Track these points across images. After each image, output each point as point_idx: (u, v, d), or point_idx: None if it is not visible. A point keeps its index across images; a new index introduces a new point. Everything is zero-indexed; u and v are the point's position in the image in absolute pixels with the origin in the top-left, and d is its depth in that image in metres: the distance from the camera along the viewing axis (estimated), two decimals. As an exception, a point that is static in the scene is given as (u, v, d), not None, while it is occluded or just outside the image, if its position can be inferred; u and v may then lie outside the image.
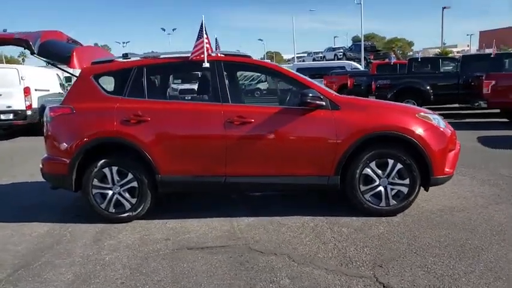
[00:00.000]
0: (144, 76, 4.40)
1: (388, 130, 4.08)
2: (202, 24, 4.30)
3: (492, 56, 12.16)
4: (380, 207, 4.20)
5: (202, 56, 4.30)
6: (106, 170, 4.31)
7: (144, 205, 4.34)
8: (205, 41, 4.28)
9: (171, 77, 4.64)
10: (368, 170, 4.16)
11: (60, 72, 17.34)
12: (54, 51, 4.63)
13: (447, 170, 4.20)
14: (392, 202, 4.19)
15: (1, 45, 4.75)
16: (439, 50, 46.38)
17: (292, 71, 4.44)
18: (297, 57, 45.56)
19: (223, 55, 4.48)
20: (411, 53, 57.72)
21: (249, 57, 4.51)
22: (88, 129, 4.29)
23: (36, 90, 12.09)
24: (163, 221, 4.37)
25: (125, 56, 4.62)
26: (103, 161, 4.29)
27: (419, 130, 4.08)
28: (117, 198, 4.34)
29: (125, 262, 3.45)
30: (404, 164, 4.11)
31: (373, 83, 13.05)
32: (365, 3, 34.20)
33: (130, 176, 4.29)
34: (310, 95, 4.02)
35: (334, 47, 39.41)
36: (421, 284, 2.89)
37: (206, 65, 4.31)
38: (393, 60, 18.58)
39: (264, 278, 3.08)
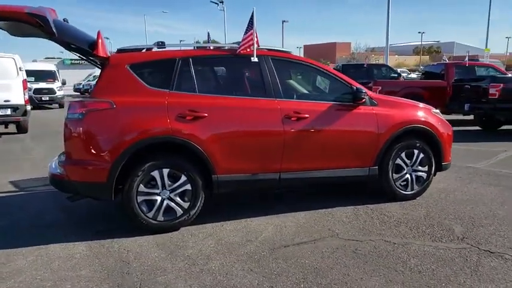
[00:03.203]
0: (192, 68, 4.02)
1: (418, 124, 4.66)
2: (252, 16, 4.17)
3: (365, 66, 14.32)
4: (407, 193, 4.76)
5: (249, 49, 4.19)
6: (155, 173, 3.80)
7: (197, 209, 3.98)
8: (255, 34, 4.17)
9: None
10: (399, 160, 4.67)
11: None
12: (76, 34, 3.82)
13: (450, 158, 5.02)
14: (415, 187, 4.80)
15: (5, 20, 3.65)
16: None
17: (333, 70, 4.66)
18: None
19: (266, 49, 4.41)
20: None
21: (290, 53, 4.56)
22: (137, 127, 3.72)
23: None
24: (216, 224, 4.09)
25: (161, 44, 4.12)
26: (151, 163, 3.78)
27: (436, 124, 4.79)
28: (167, 204, 3.86)
29: (241, 267, 3.18)
30: (425, 153, 4.76)
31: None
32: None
33: (183, 178, 3.87)
34: (364, 91, 4.34)
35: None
36: (513, 246, 3.51)
37: (255, 59, 4.20)
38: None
39: (392, 260, 3.27)
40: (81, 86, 34.65)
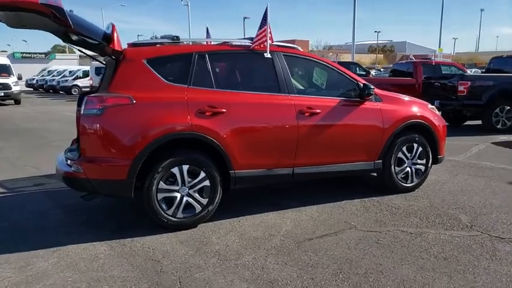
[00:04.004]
0: (208, 63, 3.99)
1: (417, 119, 4.86)
2: (266, 12, 4.19)
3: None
4: (407, 185, 4.97)
5: (262, 45, 4.22)
6: (175, 170, 3.75)
7: (215, 205, 3.96)
8: (268, 30, 4.20)
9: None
10: (401, 154, 4.86)
11: None
12: (90, 26, 3.67)
13: (444, 151, 5.29)
14: (415, 180, 5.01)
15: (15, 10, 3.41)
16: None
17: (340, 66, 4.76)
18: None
19: (276, 45, 4.43)
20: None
21: (297, 49, 4.61)
22: (158, 123, 3.65)
23: None
24: (233, 220, 4.10)
25: (176, 39, 4.05)
26: (171, 159, 3.72)
27: (433, 119, 5.03)
28: (186, 200, 3.82)
29: (274, 261, 3.22)
30: (423, 147, 4.98)
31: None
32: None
33: (202, 174, 3.84)
34: (372, 87, 4.48)
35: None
36: (518, 232, 3.78)
37: (268, 55, 4.23)
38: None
39: (415, 249, 3.42)
40: (34, 81, 32.95)
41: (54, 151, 7.83)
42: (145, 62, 3.78)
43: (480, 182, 5.45)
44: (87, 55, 4.79)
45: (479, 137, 9.32)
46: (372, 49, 76.87)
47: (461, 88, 10.05)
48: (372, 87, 4.50)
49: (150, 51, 3.90)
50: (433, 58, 12.69)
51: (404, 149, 4.87)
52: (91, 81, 25.00)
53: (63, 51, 66.65)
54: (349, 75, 4.66)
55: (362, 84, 4.53)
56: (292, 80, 4.31)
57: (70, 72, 29.37)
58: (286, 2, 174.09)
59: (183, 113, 3.72)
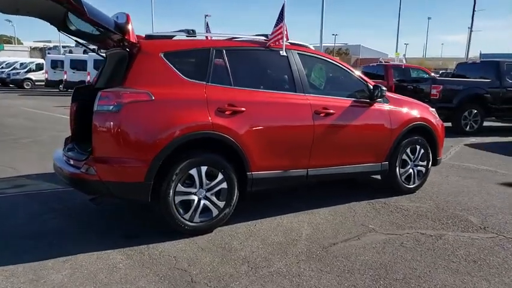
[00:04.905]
0: (226, 59, 3.79)
1: (421, 121, 4.91)
2: (283, 8, 4.04)
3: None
4: (410, 186, 5.00)
5: (277, 43, 4.08)
6: (193, 172, 3.52)
7: (231, 208, 3.77)
8: (285, 27, 4.06)
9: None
10: (405, 156, 4.89)
11: None
12: (103, 15, 3.35)
13: (441, 153, 5.38)
14: (416, 181, 5.06)
15: None
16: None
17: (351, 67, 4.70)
18: (62, 46, 40.00)
19: (290, 44, 4.30)
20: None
21: (308, 47, 4.50)
22: (178, 121, 3.41)
23: None
24: (248, 224, 3.93)
25: (191, 32, 3.80)
26: (190, 160, 3.49)
27: (434, 122, 5.11)
28: (204, 204, 3.60)
29: (308, 268, 3.09)
30: (425, 149, 5.04)
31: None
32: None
33: (220, 176, 3.64)
34: (385, 89, 4.45)
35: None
36: (530, 233, 3.88)
37: (283, 53, 4.10)
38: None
39: (442, 252, 3.40)
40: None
41: (25, 149, 7.30)
42: (162, 56, 3.52)
43: (472, 184, 5.60)
44: (84, 46, 4.44)
45: (451, 139, 9.64)
46: (328, 51, 78.45)
47: (434, 91, 10.40)
48: (384, 88, 4.48)
49: (167, 45, 3.64)
50: (404, 62, 13.05)
51: (408, 150, 4.90)
52: (46, 75, 23.72)
53: (9, 42, 62.78)
54: (359, 76, 4.62)
55: (372, 86, 4.50)
56: (306, 79, 4.20)
57: (21, 64, 27.65)
58: (242, 2, 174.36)
59: (203, 111, 3.51)
